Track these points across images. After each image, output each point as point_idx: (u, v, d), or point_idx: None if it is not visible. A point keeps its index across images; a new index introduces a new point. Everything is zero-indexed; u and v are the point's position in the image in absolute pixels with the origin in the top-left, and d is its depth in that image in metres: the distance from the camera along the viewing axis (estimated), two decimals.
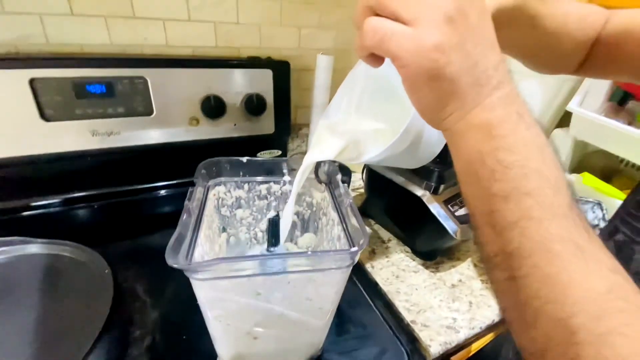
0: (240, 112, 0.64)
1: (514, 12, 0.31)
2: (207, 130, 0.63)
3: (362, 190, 0.71)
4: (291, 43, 0.73)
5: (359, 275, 0.53)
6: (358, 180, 0.75)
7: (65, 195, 0.59)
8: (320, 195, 0.43)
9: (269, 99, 0.66)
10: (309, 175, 0.37)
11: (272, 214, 0.41)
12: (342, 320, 0.45)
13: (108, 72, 0.54)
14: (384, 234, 0.62)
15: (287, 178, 0.43)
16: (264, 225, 0.45)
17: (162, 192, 0.66)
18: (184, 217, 0.31)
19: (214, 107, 0.61)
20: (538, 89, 0.77)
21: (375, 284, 0.52)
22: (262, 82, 0.65)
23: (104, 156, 0.58)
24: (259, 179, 0.43)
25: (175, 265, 0.23)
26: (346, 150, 0.35)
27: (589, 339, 0.17)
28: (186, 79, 0.59)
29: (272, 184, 0.43)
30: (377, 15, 0.21)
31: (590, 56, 0.37)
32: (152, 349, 0.39)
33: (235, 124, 0.65)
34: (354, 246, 0.31)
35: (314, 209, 0.45)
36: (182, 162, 0.52)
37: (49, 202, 0.58)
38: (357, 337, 0.44)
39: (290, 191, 0.37)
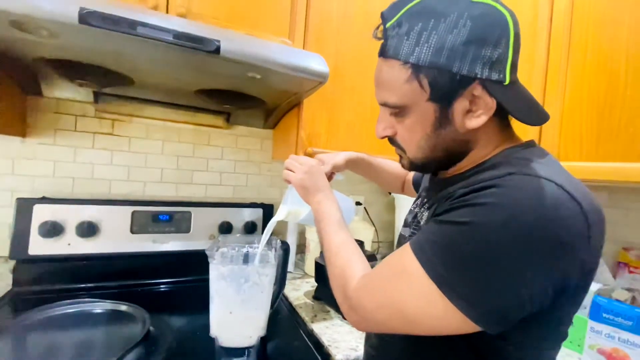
0: (241, 231, 1.07)
1: (359, 162, 0.78)
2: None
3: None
4: (277, 196, 1.24)
5: (302, 327, 0.80)
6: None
7: (133, 280, 0.95)
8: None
9: (259, 224, 1.10)
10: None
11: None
12: (286, 341, 0.71)
13: (172, 209, 1.01)
14: (327, 309, 0.91)
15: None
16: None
17: (186, 283, 1.00)
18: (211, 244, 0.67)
19: (225, 228, 1.04)
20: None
21: (312, 330, 0.78)
22: (255, 215, 1.11)
23: (159, 257, 0.97)
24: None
25: (207, 252, 0.60)
26: (289, 214, 0.75)
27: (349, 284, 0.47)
28: (212, 213, 1.05)
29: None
30: (287, 169, 0.66)
31: (404, 185, 0.83)
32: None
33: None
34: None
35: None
36: (203, 263, 0.90)
37: (126, 283, 0.93)
38: (295, 351, 0.69)
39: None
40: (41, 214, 0.86)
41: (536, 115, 0.42)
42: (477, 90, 0.39)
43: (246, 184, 1.19)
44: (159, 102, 0.99)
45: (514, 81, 0.41)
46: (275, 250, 0.68)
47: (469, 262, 0.35)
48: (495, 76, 0.38)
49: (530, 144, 0.44)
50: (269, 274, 0.63)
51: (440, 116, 0.41)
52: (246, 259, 0.66)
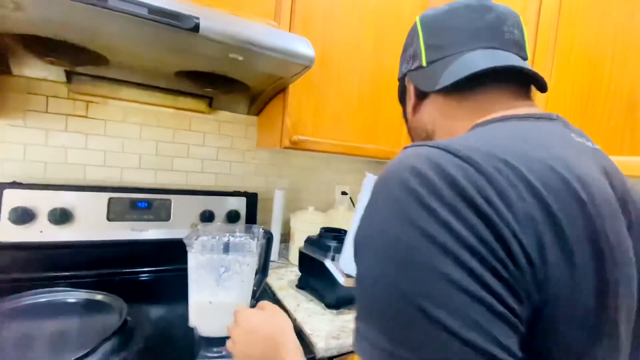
0: (224, 220, 1.04)
1: None
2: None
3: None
4: (261, 184, 1.22)
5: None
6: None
7: (110, 268, 0.92)
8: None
9: (243, 213, 1.08)
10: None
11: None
12: None
13: (151, 196, 0.97)
14: (310, 298, 0.91)
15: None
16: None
17: (166, 272, 0.98)
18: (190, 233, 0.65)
19: (207, 217, 1.02)
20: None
21: (294, 320, 0.78)
22: (239, 204, 1.08)
23: (138, 245, 0.94)
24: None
25: (185, 241, 0.58)
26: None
27: None
28: (193, 201, 1.02)
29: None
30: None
31: None
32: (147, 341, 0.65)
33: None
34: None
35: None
36: (183, 252, 0.87)
37: (103, 272, 0.90)
38: None
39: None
40: (11, 199, 0.82)
41: (483, 63, 0.37)
42: (408, 83, 0.48)
43: (229, 171, 1.16)
44: (136, 84, 0.94)
45: (441, 58, 0.42)
46: (258, 239, 0.67)
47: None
48: (414, 65, 0.45)
49: (506, 117, 0.36)
50: (250, 262, 0.61)
51: (404, 115, 0.53)
52: (227, 248, 0.64)
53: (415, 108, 0.47)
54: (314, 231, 1.07)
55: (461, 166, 0.25)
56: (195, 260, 0.58)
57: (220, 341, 0.61)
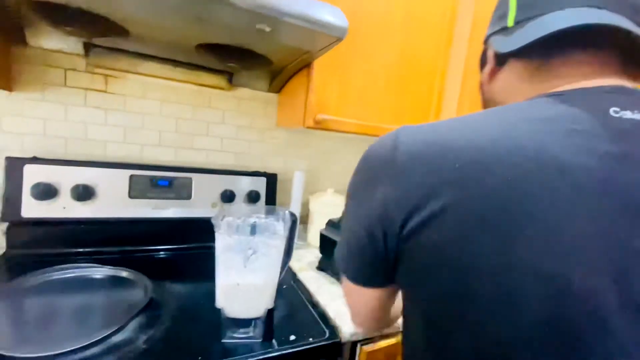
0: (244, 200, 1.03)
1: None
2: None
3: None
4: (280, 165, 1.19)
5: (307, 297, 0.79)
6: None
7: (131, 246, 0.92)
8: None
9: (263, 193, 1.06)
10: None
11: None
12: (292, 313, 0.70)
13: (171, 174, 0.96)
14: (332, 280, 0.90)
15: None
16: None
17: (187, 250, 0.98)
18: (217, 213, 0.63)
19: (228, 197, 1.00)
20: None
21: (317, 302, 0.77)
22: (259, 184, 1.07)
23: (159, 223, 0.94)
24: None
25: (213, 222, 0.56)
26: None
27: None
28: (214, 180, 1.00)
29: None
30: None
31: None
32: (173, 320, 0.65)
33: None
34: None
35: None
36: (204, 230, 0.85)
37: (125, 249, 0.91)
38: (301, 322, 0.68)
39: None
40: (33, 175, 0.81)
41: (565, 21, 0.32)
42: (489, 47, 0.43)
43: (249, 151, 1.14)
44: (156, 58, 0.91)
45: (530, 18, 0.35)
46: (284, 222, 0.65)
47: None
48: (499, 26, 0.40)
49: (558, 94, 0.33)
50: (278, 245, 0.60)
51: (480, 86, 0.46)
52: (253, 229, 0.63)
53: (491, 75, 0.42)
54: (333, 213, 1.05)
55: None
56: (223, 242, 0.57)
57: (247, 322, 0.60)
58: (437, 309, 0.33)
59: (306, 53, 0.77)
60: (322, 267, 0.95)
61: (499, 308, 0.28)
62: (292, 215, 0.71)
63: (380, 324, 0.50)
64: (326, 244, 0.93)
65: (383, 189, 0.34)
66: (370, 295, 0.42)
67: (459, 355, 0.32)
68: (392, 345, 0.73)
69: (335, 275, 0.90)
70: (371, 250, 0.36)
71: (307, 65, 0.89)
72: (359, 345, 0.69)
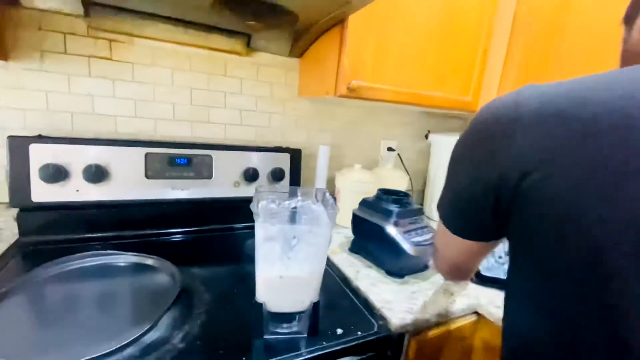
0: (268, 178, 0.95)
1: None
2: (245, 190, 0.93)
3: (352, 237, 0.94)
4: (303, 139, 1.10)
5: (346, 284, 0.73)
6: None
7: (151, 229, 0.86)
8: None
9: (287, 171, 0.98)
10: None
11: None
12: (333, 302, 0.64)
13: (189, 151, 0.87)
14: (368, 263, 0.84)
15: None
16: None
17: (209, 232, 0.92)
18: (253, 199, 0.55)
19: (251, 175, 0.92)
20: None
21: (357, 289, 0.71)
22: (283, 161, 0.98)
23: (179, 204, 0.87)
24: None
25: (252, 209, 0.48)
26: None
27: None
28: (235, 158, 0.92)
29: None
30: None
31: None
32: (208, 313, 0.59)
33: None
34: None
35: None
36: (227, 211, 0.78)
37: (144, 232, 0.85)
38: (344, 312, 0.62)
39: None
40: (40, 155, 0.73)
41: None
42: None
43: (269, 124, 1.04)
44: (164, 18, 0.79)
45: None
46: (325, 206, 0.57)
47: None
48: None
49: None
50: (324, 234, 0.52)
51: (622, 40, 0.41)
52: (293, 216, 0.55)
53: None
54: (362, 190, 0.97)
55: None
56: (263, 232, 0.49)
57: (291, 317, 0.55)
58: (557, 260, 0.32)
59: (346, 4, 0.65)
60: (354, 249, 0.89)
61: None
62: (333, 198, 0.63)
63: (460, 275, 0.53)
64: (360, 226, 0.86)
65: (507, 143, 0.33)
66: (467, 246, 0.44)
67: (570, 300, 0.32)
68: (442, 334, 0.67)
69: (370, 257, 0.84)
70: (480, 207, 0.37)
71: (339, 23, 0.77)
72: (406, 336, 0.64)
